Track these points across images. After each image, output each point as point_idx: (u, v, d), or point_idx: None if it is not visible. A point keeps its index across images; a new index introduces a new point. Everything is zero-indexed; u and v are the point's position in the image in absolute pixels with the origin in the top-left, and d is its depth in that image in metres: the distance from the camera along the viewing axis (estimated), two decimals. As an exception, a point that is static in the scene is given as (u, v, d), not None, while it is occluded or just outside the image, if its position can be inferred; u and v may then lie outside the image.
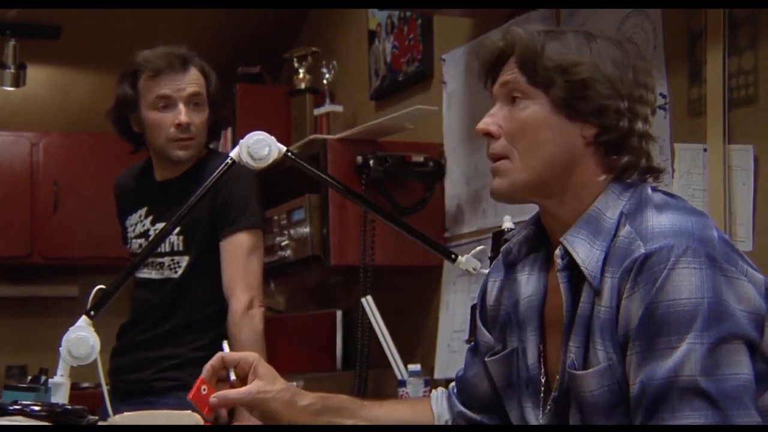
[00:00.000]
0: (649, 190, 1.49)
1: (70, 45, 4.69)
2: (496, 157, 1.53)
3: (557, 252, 1.48)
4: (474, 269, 2.21)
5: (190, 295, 2.74)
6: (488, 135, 1.53)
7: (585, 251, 1.45)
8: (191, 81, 2.73)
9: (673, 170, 2.49)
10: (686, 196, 2.44)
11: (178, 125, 2.70)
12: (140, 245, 2.81)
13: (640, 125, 1.49)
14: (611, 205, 1.48)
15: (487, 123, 1.54)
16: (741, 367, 1.31)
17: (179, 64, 2.72)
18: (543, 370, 1.55)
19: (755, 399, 1.33)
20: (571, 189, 1.51)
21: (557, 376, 1.50)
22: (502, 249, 1.65)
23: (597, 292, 1.42)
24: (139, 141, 2.83)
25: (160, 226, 2.77)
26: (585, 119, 1.48)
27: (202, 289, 2.74)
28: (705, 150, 2.41)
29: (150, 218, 2.81)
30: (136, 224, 2.84)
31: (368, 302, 3.27)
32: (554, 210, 1.53)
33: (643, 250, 1.37)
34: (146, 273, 2.77)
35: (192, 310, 2.74)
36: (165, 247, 2.73)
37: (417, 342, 3.59)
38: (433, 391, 1.82)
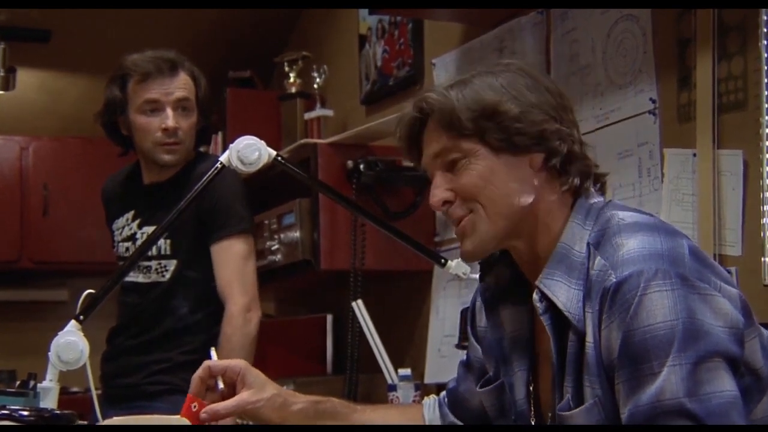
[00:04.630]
0: (609, 212, 1.47)
1: (60, 49, 4.68)
2: (460, 219, 1.51)
3: (535, 296, 1.46)
4: (464, 274, 2.21)
5: (179, 299, 2.74)
6: (445, 204, 1.51)
7: (564, 293, 1.43)
8: (180, 86, 2.73)
9: (663, 175, 2.50)
10: (676, 201, 2.45)
11: (165, 130, 2.70)
12: (127, 249, 2.81)
13: (576, 133, 1.50)
14: (578, 238, 1.46)
15: (438, 195, 1.51)
16: (723, 384, 1.30)
17: (168, 69, 2.71)
18: (532, 408, 1.54)
19: (744, 413, 1.32)
20: (539, 224, 1.49)
21: (549, 415, 1.49)
22: (479, 286, 1.63)
23: (583, 332, 1.41)
24: (127, 143, 2.82)
25: (147, 229, 2.76)
26: (529, 150, 1.47)
27: (191, 293, 2.74)
28: (694, 155, 2.42)
29: (137, 222, 2.81)
30: (122, 228, 2.84)
31: (359, 306, 3.26)
32: (525, 249, 1.51)
33: (614, 279, 1.36)
34: (133, 277, 2.76)
35: (182, 314, 2.74)
36: (152, 251, 2.72)
37: (407, 346, 3.59)
38: (426, 398, 1.82)
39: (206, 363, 1.67)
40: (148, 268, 2.75)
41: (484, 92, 1.47)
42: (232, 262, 2.70)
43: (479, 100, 1.46)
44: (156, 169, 2.78)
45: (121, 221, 2.85)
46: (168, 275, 2.73)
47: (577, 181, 1.49)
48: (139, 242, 2.76)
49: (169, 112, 2.70)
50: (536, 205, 1.49)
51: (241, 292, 2.67)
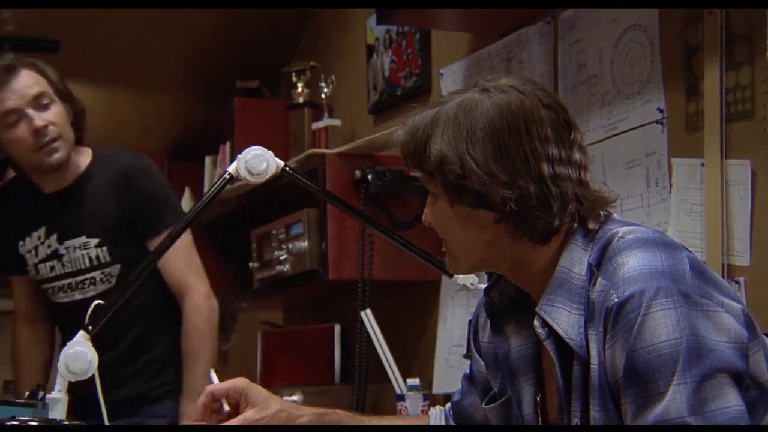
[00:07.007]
0: (609, 231, 1.44)
1: (69, 59, 4.69)
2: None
3: (536, 323, 1.45)
4: (471, 284, 2.21)
5: (135, 299, 2.68)
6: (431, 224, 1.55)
7: (565, 320, 1.42)
8: (28, 84, 2.62)
9: (671, 185, 2.50)
10: (683, 211, 2.45)
11: (36, 132, 2.59)
12: (52, 268, 2.72)
13: (541, 189, 1.42)
14: (577, 261, 1.44)
15: (426, 217, 1.55)
16: (729, 400, 1.29)
17: (5, 73, 2.60)
18: (540, 421, 1.53)
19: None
20: (515, 264, 1.49)
21: None
22: (484, 302, 1.62)
23: (586, 357, 1.40)
24: (3, 166, 2.73)
25: (69, 243, 2.68)
26: (478, 206, 1.45)
27: (143, 291, 2.67)
28: (702, 165, 2.41)
29: (54, 236, 2.71)
30: (36, 248, 2.73)
31: (367, 316, 3.26)
32: (513, 278, 1.52)
33: (615, 299, 1.35)
34: (66, 297, 2.70)
35: (146, 314, 2.71)
36: (86, 263, 2.67)
37: (415, 356, 3.59)
38: (431, 409, 1.82)
39: (208, 388, 1.68)
40: (92, 280, 2.69)
41: (443, 140, 1.44)
42: (181, 254, 2.64)
43: (437, 148, 1.45)
44: (51, 176, 2.68)
45: (31, 242, 2.74)
46: (114, 280, 2.70)
47: (537, 237, 1.45)
48: (66, 257, 2.68)
49: (32, 113, 2.59)
50: (503, 253, 1.48)
51: (199, 281, 2.66)
